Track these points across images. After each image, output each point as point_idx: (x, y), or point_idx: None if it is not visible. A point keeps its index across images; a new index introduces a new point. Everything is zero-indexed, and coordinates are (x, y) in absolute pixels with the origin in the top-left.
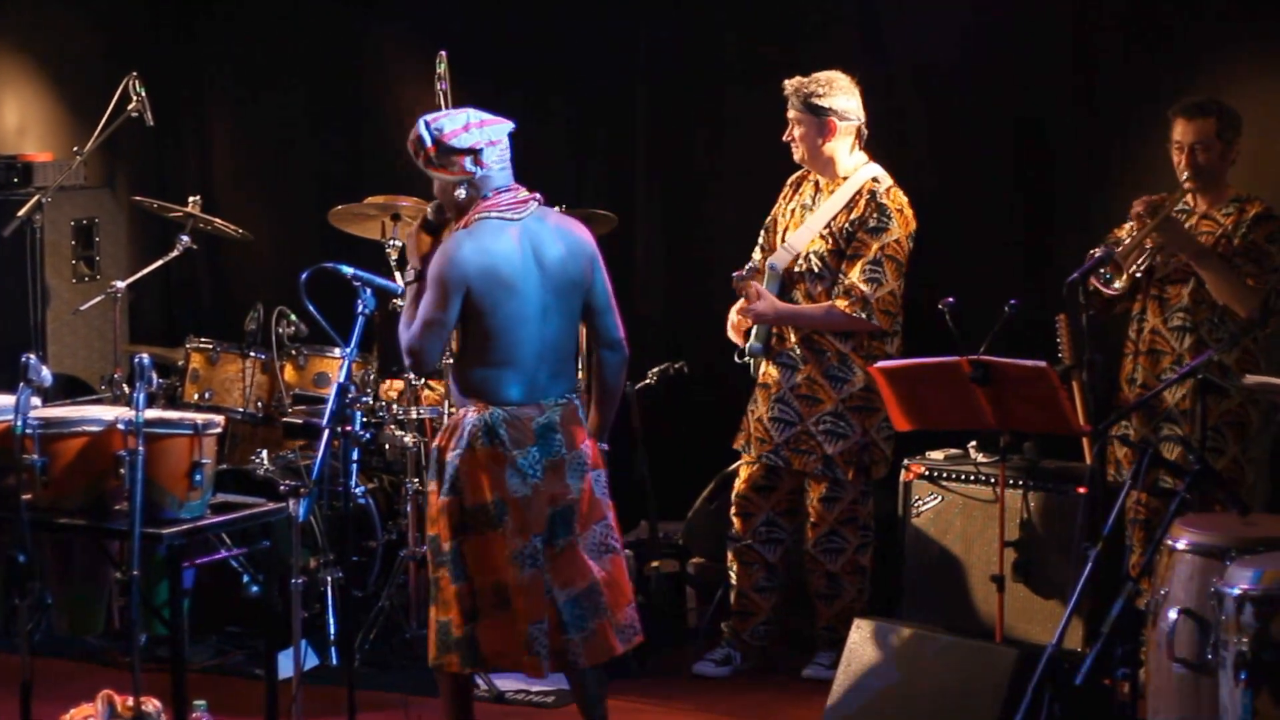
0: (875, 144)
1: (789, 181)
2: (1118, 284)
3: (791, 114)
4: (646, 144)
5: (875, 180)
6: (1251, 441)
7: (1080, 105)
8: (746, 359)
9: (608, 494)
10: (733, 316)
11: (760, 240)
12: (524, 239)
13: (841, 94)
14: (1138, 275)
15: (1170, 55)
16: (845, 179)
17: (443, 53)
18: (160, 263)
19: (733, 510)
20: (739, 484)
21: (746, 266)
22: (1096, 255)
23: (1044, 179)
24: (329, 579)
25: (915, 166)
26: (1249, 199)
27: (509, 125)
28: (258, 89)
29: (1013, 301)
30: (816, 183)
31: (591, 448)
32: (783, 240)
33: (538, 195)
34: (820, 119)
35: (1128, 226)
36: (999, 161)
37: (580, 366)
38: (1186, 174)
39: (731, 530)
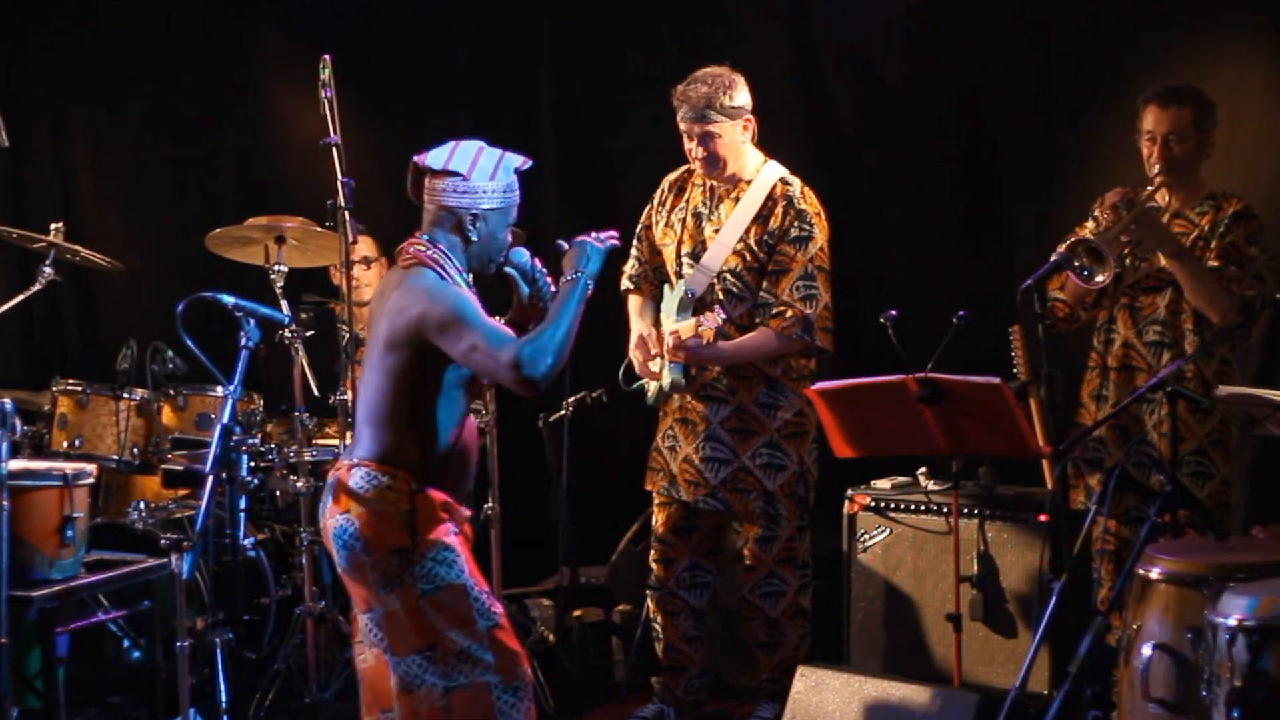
0: (805, 142)
1: (667, 183)
2: (1100, 276)
3: (700, 128)
4: (554, 154)
5: (785, 182)
6: (1233, 459)
7: (1030, 97)
8: (638, 385)
9: (390, 584)
10: (635, 350)
11: (634, 250)
12: (384, 287)
13: (742, 88)
14: (1118, 271)
15: (1129, 41)
16: (749, 182)
17: (326, 57)
18: (21, 298)
19: (652, 556)
20: (657, 527)
21: (703, 324)
22: (1055, 259)
23: (991, 176)
24: (218, 641)
25: (850, 165)
26: (1224, 196)
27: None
28: (124, 103)
29: (961, 313)
30: (711, 188)
31: (357, 519)
32: (678, 255)
33: (419, 246)
34: (738, 120)
35: (1090, 225)
36: (942, 158)
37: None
38: (1159, 167)
39: (652, 578)
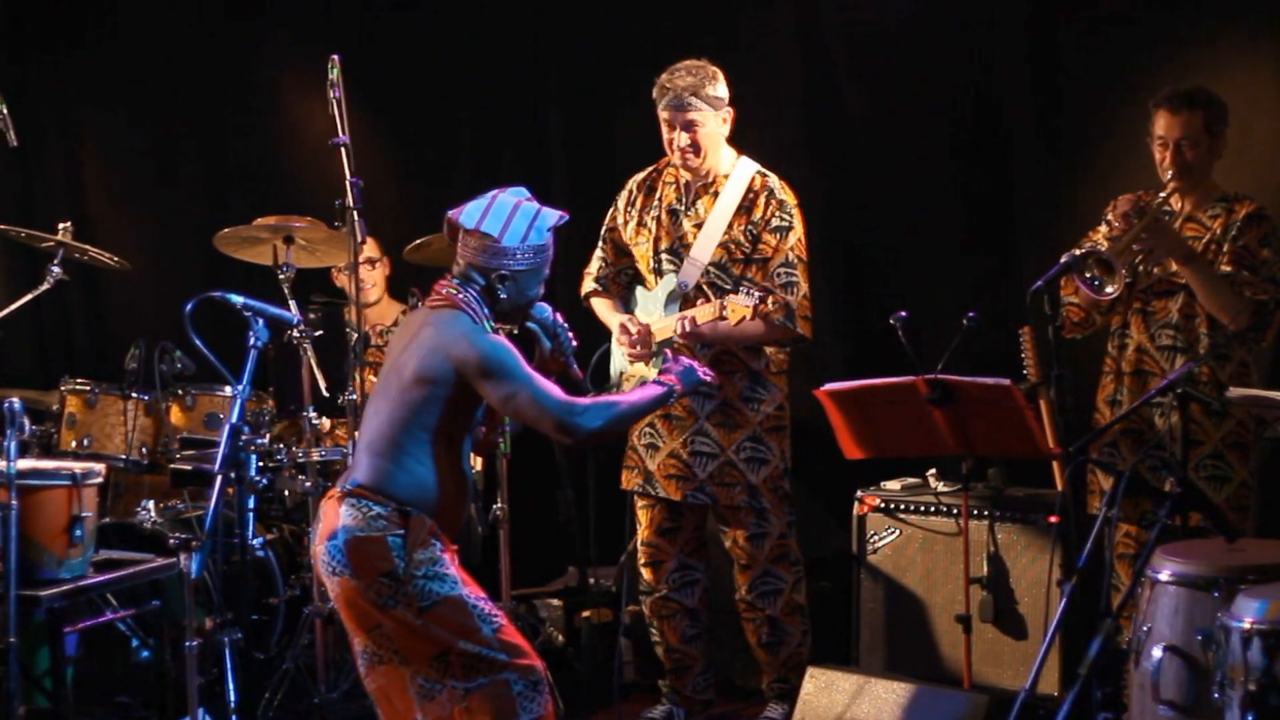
0: (813, 140)
1: (634, 184)
2: (1110, 288)
3: (683, 116)
4: (560, 149)
5: (763, 174)
6: (1252, 461)
7: (1039, 92)
8: (608, 388)
9: (390, 602)
10: (620, 336)
11: (599, 253)
12: (410, 322)
13: (722, 81)
14: (1128, 280)
15: (1138, 39)
16: (726, 176)
17: (335, 57)
18: (29, 297)
19: (640, 560)
20: (644, 531)
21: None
22: (1064, 261)
23: (1002, 175)
24: (227, 640)
25: (860, 166)
26: (1237, 197)
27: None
28: (133, 102)
29: (971, 314)
30: (686, 184)
31: (344, 545)
32: (656, 252)
33: (451, 289)
34: (720, 111)
35: (1103, 230)
36: (954, 158)
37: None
38: (1171, 172)
39: (641, 583)
